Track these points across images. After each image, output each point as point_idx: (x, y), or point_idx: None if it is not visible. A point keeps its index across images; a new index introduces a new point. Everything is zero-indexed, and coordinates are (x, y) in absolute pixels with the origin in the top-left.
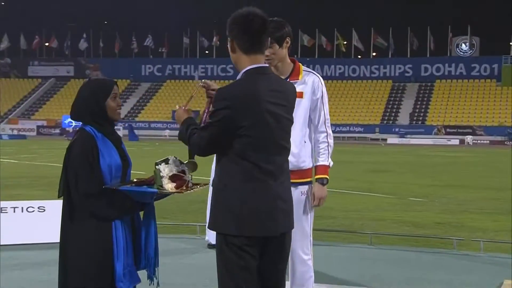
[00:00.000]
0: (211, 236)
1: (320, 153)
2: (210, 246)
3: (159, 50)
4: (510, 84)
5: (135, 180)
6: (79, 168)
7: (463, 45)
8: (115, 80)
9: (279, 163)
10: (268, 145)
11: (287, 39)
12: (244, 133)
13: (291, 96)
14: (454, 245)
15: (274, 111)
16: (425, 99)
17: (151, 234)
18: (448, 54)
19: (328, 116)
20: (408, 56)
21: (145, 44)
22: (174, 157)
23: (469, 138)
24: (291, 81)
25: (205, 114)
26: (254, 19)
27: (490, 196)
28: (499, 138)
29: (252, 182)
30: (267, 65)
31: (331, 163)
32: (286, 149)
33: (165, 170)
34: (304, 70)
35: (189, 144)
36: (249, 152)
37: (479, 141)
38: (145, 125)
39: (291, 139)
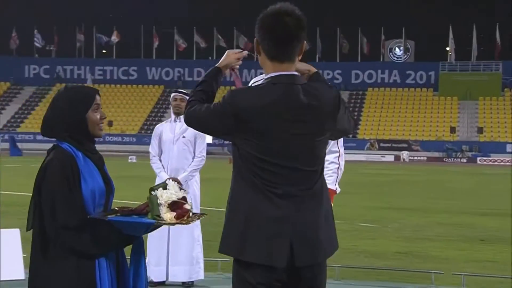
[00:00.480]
0: (152, 272)
1: (327, 175)
2: (153, 284)
3: (47, 48)
4: (448, 93)
5: (116, 208)
6: (57, 194)
7: (397, 49)
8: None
9: (299, 188)
10: (281, 170)
11: None
12: (248, 149)
13: (323, 110)
14: (432, 280)
15: (290, 130)
16: (356, 109)
17: (141, 274)
18: (381, 59)
19: None
20: (338, 60)
21: (31, 40)
22: (173, 180)
23: (405, 154)
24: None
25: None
26: (284, 22)
27: (444, 220)
28: (436, 154)
29: (259, 201)
30: (295, 73)
31: (338, 190)
32: (310, 173)
33: (163, 197)
34: None
35: (186, 107)
36: (257, 172)
37: (415, 158)
38: (29, 137)
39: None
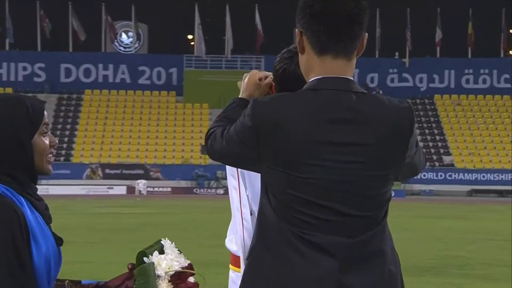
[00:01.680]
0: None
1: None
2: None
3: None
4: (196, 99)
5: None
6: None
7: (124, 35)
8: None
9: (346, 239)
10: (319, 212)
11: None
12: (274, 181)
13: (387, 133)
14: None
15: (333, 157)
16: (69, 120)
17: None
18: (103, 49)
19: None
20: (39, 49)
21: None
22: (169, 240)
23: (141, 184)
24: None
25: None
26: (344, 2)
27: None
28: (184, 184)
29: (289, 256)
30: (349, 77)
31: None
32: (361, 220)
33: (162, 265)
34: None
35: (209, 135)
36: (286, 215)
37: (156, 189)
38: None
39: None
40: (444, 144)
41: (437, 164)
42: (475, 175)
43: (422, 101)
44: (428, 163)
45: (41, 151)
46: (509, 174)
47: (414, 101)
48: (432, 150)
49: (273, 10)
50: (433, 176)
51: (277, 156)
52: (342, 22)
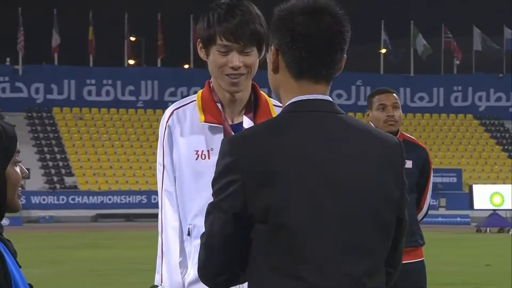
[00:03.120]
0: None
1: None
2: None
3: None
4: None
5: None
6: None
7: None
8: None
9: (351, 276)
10: (321, 246)
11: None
12: (268, 226)
13: (384, 164)
14: None
15: (320, 191)
16: None
17: None
18: None
19: None
20: None
21: None
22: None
23: None
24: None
25: None
26: (326, 24)
27: None
28: None
29: None
30: (329, 99)
31: None
32: (367, 253)
33: None
34: (274, 105)
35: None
36: (283, 258)
37: None
38: None
39: None
40: (65, 163)
41: (58, 186)
42: (100, 198)
43: (39, 114)
44: (48, 186)
45: (14, 183)
46: (137, 196)
47: (29, 114)
48: (53, 171)
49: None
50: (53, 200)
51: (262, 191)
52: (327, 46)
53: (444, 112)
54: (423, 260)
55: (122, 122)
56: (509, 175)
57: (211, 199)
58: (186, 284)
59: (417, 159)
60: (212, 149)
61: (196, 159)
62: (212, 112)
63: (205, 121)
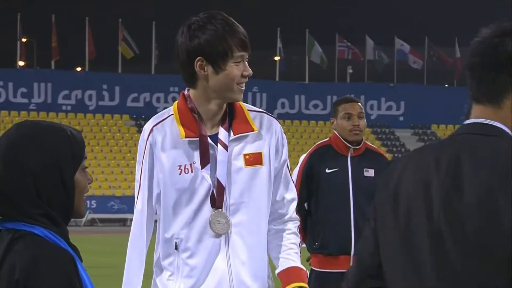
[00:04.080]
0: None
1: (290, 248)
2: None
3: None
4: None
5: None
6: None
7: None
8: None
9: None
10: None
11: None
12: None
13: None
14: None
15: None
16: None
17: None
18: None
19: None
20: None
21: None
22: None
23: None
24: (237, 135)
25: None
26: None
27: None
28: None
29: None
30: (495, 123)
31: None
32: None
33: None
34: (250, 111)
35: None
36: None
37: None
38: None
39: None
40: None
41: None
42: None
43: None
44: None
45: (81, 190)
46: None
47: None
48: None
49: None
50: None
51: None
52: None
53: None
54: None
55: None
56: None
57: (196, 211)
58: None
59: (379, 168)
60: (194, 162)
61: (180, 174)
62: (190, 126)
63: (185, 137)
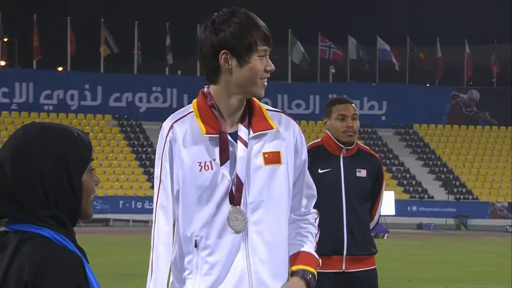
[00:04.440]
0: None
1: (304, 236)
2: None
3: None
4: None
5: None
6: None
7: None
8: None
9: None
10: None
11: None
12: None
13: None
14: None
15: None
16: None
17: None
18: None
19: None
20: None
21: None
22: None
23: None
24: (256, 133)
25: None
26: None
27: None
28: None
29: None
30: None
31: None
32: None
33: None
34: (268, 110)
35: None
36: None
37: None
38: None
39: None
40: None
41: None
42: None
43: None
44: None
45: (89, 191)
46: None
47: None
48: None
49: None
50: None
51: None
52: None
53: (320, 119)
54: (375, 268)
55: None
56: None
57: (216, 209)
58: None
59: (371, 168)
60: (214, 159)
61: (200, 171)
62: (210, 123)
63: (206, 133)
